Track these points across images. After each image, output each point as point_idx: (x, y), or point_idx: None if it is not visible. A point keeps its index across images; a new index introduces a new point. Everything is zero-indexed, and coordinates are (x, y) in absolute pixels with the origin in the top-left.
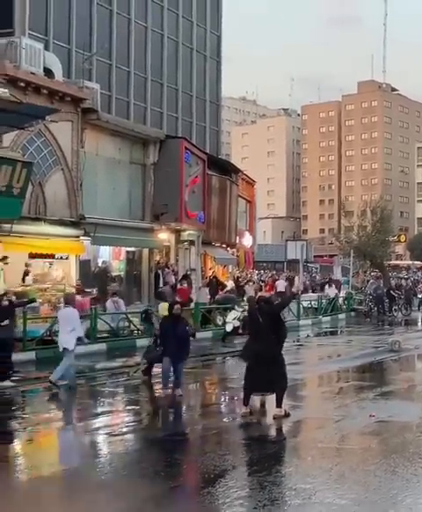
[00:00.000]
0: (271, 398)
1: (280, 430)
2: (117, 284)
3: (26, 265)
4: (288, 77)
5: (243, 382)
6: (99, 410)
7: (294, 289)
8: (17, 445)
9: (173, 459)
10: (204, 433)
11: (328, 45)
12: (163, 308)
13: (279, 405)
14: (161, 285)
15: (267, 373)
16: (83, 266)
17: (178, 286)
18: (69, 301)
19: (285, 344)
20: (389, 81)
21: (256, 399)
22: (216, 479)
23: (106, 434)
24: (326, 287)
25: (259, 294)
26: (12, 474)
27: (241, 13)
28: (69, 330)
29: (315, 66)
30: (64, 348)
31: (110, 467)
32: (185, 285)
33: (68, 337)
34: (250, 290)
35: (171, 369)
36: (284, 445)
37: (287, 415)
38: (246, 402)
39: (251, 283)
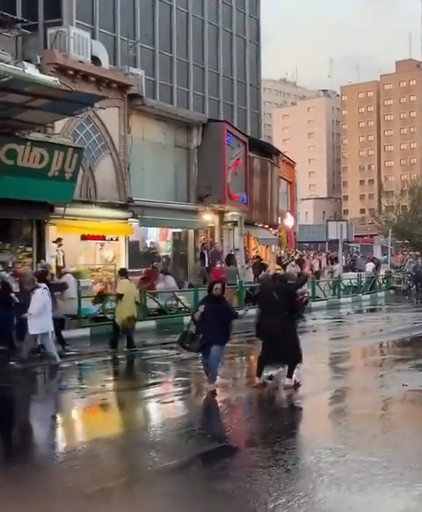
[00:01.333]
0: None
1: (315, 398)
2: (159, 263)
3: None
4: (327, 58)
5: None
6: (151, 381)
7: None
8: (78, 411)
9: (220, 423)
10: (248, 401)
11: (366, 24)
12: (124, 285)
13: (289, 375)
14: (206, 264)
15: (281, 346)
16: (132, 247)
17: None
18: (39, 279)
19: (324, 321)
20: None
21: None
22: (260, 440)
23: (158, 401)
24: (368, 264)
25: (275, 272)
26: (74, 436)
27: None
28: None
29: (353, 46)
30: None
31: (161, 429)
32: (221, 265)
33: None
34: (292, 271)
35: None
36: (321, 411)
37: (297, 386)
38: (259, 374)
39: (293, 264)
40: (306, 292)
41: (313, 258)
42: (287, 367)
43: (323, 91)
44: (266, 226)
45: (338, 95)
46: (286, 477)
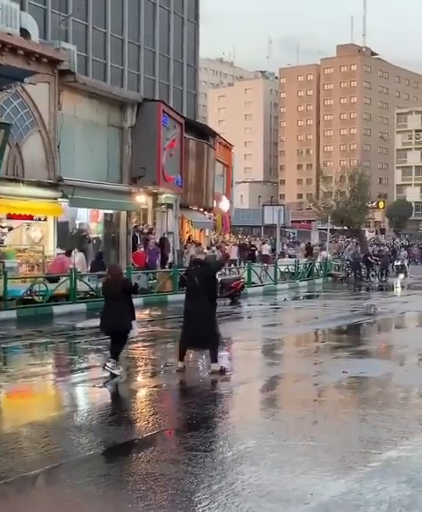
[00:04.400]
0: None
1: (254, 384)
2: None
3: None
4: (266, 39)
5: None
6: (77, 366)
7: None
8: (3, 396)
9: (157, 408)
10: (185, 386)
11: (307, 6)
12: None
13: (214, 360)
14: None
15: (201, 330)
16: (61, 227)
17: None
18: None
19: (260, 307)
20: (369, 45)
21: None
22: (200, 425)
23: (90, 386)
24: (321, 251)
25: (195, 256)
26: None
27: None
28: None
29: (293, 27)
30: None
31: (95, 414)
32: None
33: None
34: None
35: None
36: (261, 397)
37: (223, 371)
38: (181, 358)
39: (213, 249)
40: (242, 278)
41: (262, 242)
42: (208, 352)
43: (262, 72)
44: (201, 209)
45: (276, 77)
46: (229, 460)
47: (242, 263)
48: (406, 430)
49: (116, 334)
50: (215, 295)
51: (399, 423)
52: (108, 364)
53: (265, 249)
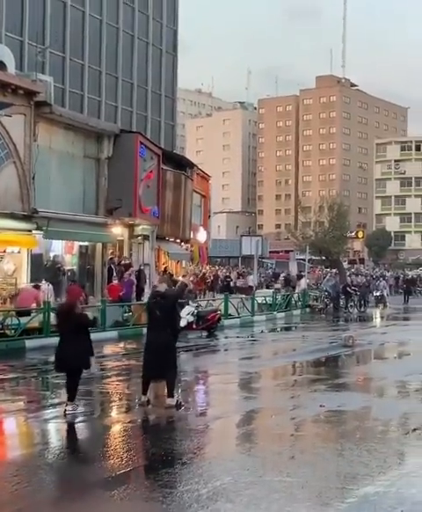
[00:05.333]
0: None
1: (230, 419)
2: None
3: None
4: (245, 70)
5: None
6: (49, 402)
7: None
8: None
9: (131, 444)
10: (159, 421)
11: (286, 38)
12: None
13: (170, 394)
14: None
15: (160, 362)
16: (35, 260)
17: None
18: None
19: (238, 339)
20: (348, 76)
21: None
22: (174, 461)
23: (64, 422)
24: (299, 280)
25: (156, 288)
26: None
27: (198, 3)
28: None
29: (272, 59)
30: None
31: (69, 451)
32: (117, 282)
33: None
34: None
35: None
36: (236, 432)
37: (179, 405)
38: (145, 391)
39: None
40: (218, 310)
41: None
42: (166, 385)
43: (240, 103)
44: (178, 241)
45: (255, 108)
46: (204, 497)
47: (213, 294)
48: (384, 465)
49: (71, 372)
50: (177, 327)
51: (377, 458)
52: (68, 408)
53: (250, 280)
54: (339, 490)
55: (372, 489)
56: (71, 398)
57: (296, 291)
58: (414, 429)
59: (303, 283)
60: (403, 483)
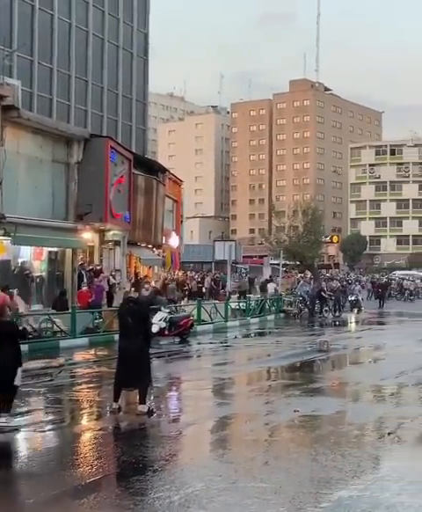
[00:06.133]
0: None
1: (204, 425)
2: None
3: None
4: (218, 74)
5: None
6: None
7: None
8: None
9: (104, 452)
10: (133, 428)
11: (260, 42)
12: None
13: (142, 401)
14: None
15: (132, 370)
16: (3, 266)
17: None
18: None
19: (211, 345)
20: (322, 80)
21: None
22: (146, 468)
23: (34, 430)
24: (268, 284)
25: (128, 295)
26: None
27: (170, 7)
28: None
29: (246, 63)
30: None
31: (41, 459)
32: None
33: None
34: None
35: None
36: (210, 438)
37: (151, 412)
38: (116, 398)
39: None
40: (191, 315)
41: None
42: (138, 392)
43: (213, 107)
44: (150, 246)
45: (228, 112)
46: (176, 504)
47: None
48: (358, 469)
49: (1, 385)
50: (149, 333)
51: (351, 462)
52: (1, 420)
53: (234, 285)
54: (313, 495)
55: (346, 493)
56: (6, 410)
57: (258, 297)
58: (388, 433)
59: (271, 288)
60: (376, 487)
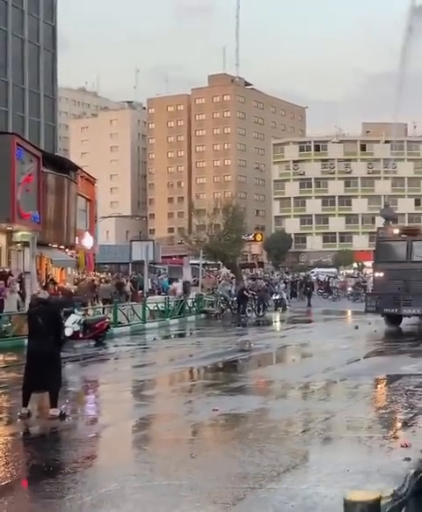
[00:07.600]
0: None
1: (118, 427)
2: None
3: None
4: (133, 68)
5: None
6: None
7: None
8: None
9: (13, 456)
10: (41, 433)
11: (176, 35)
12: None
13: (54, 405)
14: None
15: (42, 372)
16: None
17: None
18: None
19: (128, 347)
20: (242, 75)
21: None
22: (57, 471)
23: None
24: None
25: (38, 295)
26: None
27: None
28: None
29: (162, 57)
30: None
31: None
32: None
33: None
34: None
35: None
36: (125, 439)
37: (63, 416)
38: (25, 403)
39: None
40: (107, 317)
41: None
42: (48, 395)
43: (128, 102)
44: (62, 247)
45: (144, 107)
46: (87, 505)
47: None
48: (276, 464)
49: None
50: (60, 335)
51: (269, 457)
52: None
53: (179, 288)
54: (229, 490)
55: (263, 487)
56: None
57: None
58: (307, 429)
59: (179, 288)
60: (293, 480)
